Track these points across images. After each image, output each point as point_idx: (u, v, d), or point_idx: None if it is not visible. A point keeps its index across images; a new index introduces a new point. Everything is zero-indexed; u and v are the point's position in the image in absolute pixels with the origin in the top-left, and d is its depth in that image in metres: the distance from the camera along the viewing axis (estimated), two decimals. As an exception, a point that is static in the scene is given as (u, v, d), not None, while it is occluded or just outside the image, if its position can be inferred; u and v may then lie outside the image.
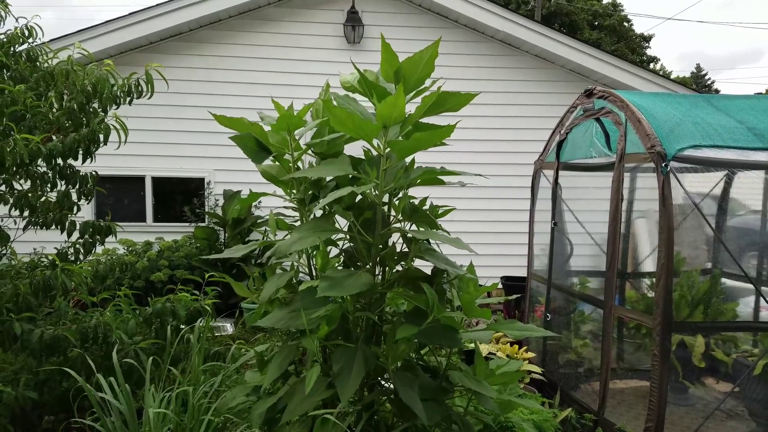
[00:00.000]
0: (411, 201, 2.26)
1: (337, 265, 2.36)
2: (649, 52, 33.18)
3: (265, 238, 2.43)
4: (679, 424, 4.02)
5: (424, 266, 2.34)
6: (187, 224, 7.26)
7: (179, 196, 7.44)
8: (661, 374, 3.30)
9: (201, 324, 3.66)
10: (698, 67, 39.55)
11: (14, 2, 4.05)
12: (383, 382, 2.51)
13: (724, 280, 4.82)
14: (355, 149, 2.39)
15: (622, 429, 3.56)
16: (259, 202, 7.26)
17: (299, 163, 2.35)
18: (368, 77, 2.11)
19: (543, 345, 4.94)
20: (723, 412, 4.23)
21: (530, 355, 4.49)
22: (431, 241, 2.35)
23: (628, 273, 5.27)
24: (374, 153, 2.20)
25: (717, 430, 4.03)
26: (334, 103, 2.10)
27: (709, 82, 38.13)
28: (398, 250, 2.34)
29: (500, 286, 7.24)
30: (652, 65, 32.69)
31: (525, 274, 5.45)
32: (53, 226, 3.87)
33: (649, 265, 5.54)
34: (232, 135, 2.47)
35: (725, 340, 4.47)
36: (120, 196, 7.25)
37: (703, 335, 4.30)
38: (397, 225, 2.30)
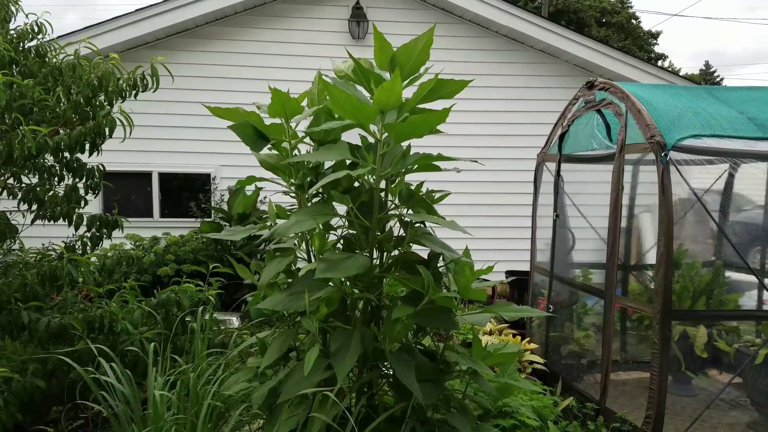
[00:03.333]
0: (408, 187, 2.29)
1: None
2: (657, 49, 33.04)
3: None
4: (682, 414, 4.03)
5: (422, 252, 2.37)
6: (194, 219, 7.33)
7: (186, 192, 7.52)
8: (661, 362, 3.32)
9: (203, 312, 3.70)
10: (707, 65, 39.37)
11: (41, 2, 4.10)
12: (383, 369, 2.54)
13: (728, 274, 4.82)
14: (351, 139, 2.42)
15: (623, 417, 3.58)
16: (264, 197, 7.31)
17: (296, 152, 2.39)
18: (364, 65, 2.15)
19: (546, 337, 4.96)
20: (726, 402, 4.24)
21: (533, 346, 4.52)
22: (428, 225, 2.39)
23: (630, 266, 5.28)
24: (371, 140, 2.24)
25: (720, 420, 4.04)
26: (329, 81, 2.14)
27: (718, 80, 37.90)
28: (395, 235, 2.37)
29: (505, 279, 7.25)
30: (660, 62, 32.54)
31: (528, 269, 5.47)
32: (61, 220, 3.93)
33: (652, 258, 5.54)
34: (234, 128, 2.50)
35: (728, 330, 4.47)
36: (127, 192, 7.33)
37: (704, 325, 4.31)
38: (395, 211, 2.33)
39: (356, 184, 2.39)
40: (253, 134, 2.32)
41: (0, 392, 3.14)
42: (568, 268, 5.10)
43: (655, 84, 6.61)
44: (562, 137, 4.75)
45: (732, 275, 4.84)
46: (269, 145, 2.37)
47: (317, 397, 2.15)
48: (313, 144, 2.43)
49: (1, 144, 3.32)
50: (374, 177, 2.16)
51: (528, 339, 4.63)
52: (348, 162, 2.28)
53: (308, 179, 2.33)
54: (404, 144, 2.24)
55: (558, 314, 4.97)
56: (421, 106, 2.18)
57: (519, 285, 7.06)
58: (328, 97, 2.17)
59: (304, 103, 2.36)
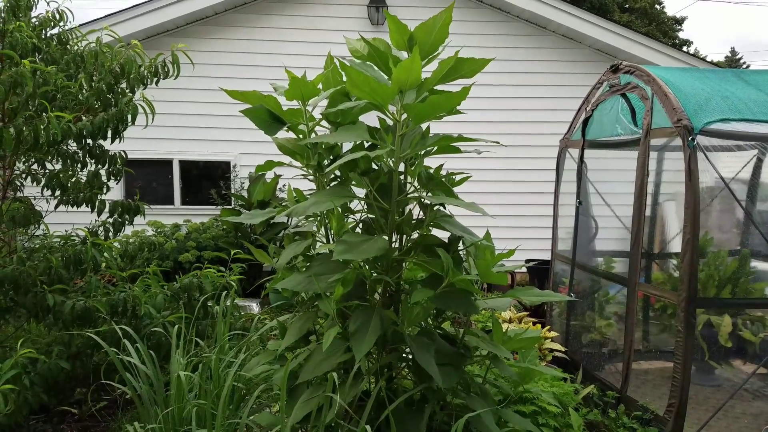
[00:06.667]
0: (427, 169, 2.27)
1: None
2: (682, 35, 32.38)
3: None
4: (705, 404, 3.97)
5: (442, 236, 2.35)
6: (214, 207, 7.39)
7: (206, 180, 7.58)
8: (685, 351, 3.26)
9: (225, 297, 3.73)
10: (733, 51, 38.44)
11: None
12: (403, 353, 2.54)
13: (754, 263, 4.72)
14: (368, 121, 2.40)
15: (645, 405, 3.53)
16: (284, 185, 7.33)
17: (313, 135, 2.38)
18: (379, 46, 2.12)
19: (566, 325, 4.91)
20: (750, 393, 4.16)
21: (553, 334, 4.48)
22: (447, 209, 2.37)
23: (654, 254, 5.20)
24: (390, 122, 2.22)
25: (743, 410, 3.96)
26: (347, 62, 2.11)
27: (744, 66, 37.01)
28: (415, 218, 2.36)
29: (524, 269, 7.21)
30: (685, 48, 31.87)
31: (549, 258, 5.42)
32: (83, 205, 3.98)
33: (676, 247, 5.43)
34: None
35: (753, 320, 4.38)
36: (149, 180, 7.41)
37: (729, 314, 4.22)
38: (414, 194, 2.31)
39: (375, 166, 2.38)
40: (268, 117, 2.32)
41: (26, 373, 3.20)
42: (590, 256, 5.03)
43: (681, 67, 6.46)
44: (585, 122, 4.67)
45: (758, 265, 4.74)
46: (286, 128, 2.37)
47: (336, 379, 2.15)
48: (330, 127, 2.41)
49: (27, 130, 3.36)
50: (393, 159, 2.14)
51: (548, 327, 4.59)
52: (367, 144, 2.26)
53: (326, 162, 2.32)
54: (423, 126, 2.22)
55: (579, 303, 4.92)
56: (439, 87, 2.15)
57: (539, 274, 7.00)
58: (344, 79, 2.15)
59: (320, 86, 2.34)
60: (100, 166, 4.07)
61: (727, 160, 4.48)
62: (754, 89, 3.87)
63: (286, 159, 2.53)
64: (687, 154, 3.28)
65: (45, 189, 3.85)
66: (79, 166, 4.01)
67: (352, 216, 2.48)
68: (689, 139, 3.28)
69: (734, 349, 4.36)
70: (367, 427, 1.97)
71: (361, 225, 2.47)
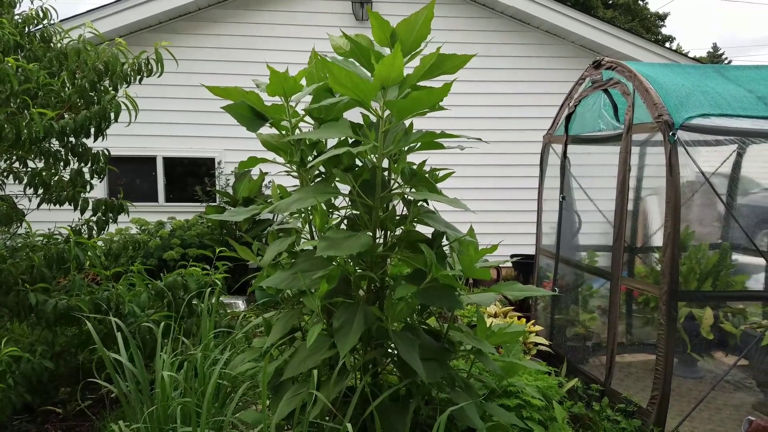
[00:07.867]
0: (411, 165, 2.28)
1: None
2: (664, 31, 32.67)
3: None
4: (687, 396, 4.03)
5: (425, 232, 2.37)
6: (199, 204, 7.35)
7: (190, 177, 7.54)
8: (667, 343, 3.31)
9: (210, 295, 3.72)
10: (715, 47, 38.85)
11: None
12: (388, 348, 2.55)
13: (734, 256, 4.79)
14: (352, 117, 2.40)
15: (628, 398, 3.58)
16: (269, 182, 7.31)
17: (297, 131, 2.38)
18: (362, 42, 2.12)
19: (551, 319, 4.95)
20: (731, 384, 4.23)
21: (538, 328, 4.52)
22: (431, 205, 2.38)
23: (636, 248, 5.26)
24: (373, 119, 2.23)
25: (725, 401, 4.03)
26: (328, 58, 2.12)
27: (725, 62, 37.41)
28: (399, 214, 2.37)
29: (509, 264, 7.25)
30: (667, 44, 32.16)
31: (533, 252, 5.46)
32: (66, 204, 3.95)
33: (658, 240, 5.50)
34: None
35: (734, 312, 4.45)
36: (132, 177, 7.35)
37: (711, 306, 4.29)
38: (398, 190, 2.32)
39: (358, 162, 2.38)
40: (250, 114, 2.31)
41: (11, 372, 3.17)
42: (574, 250, 5.08)
43: (662, 63, 6.52)
44: (568, 118, 4.71)
45: (738, 258, 4.81)
46: (269, 125, 2.36)
47: (321, 375, 2.15)
48: (313, 123, 2.42)
49: (9, 127, 3.32)
50: (376, 155, 2.15)
51: (533, 321, 4.63)
52: (350, 140, 2.27)
53: (308, 157, 2.32)
54: (407, 122, 2.23)
55: (563, 297, 4.96)
56: (422, 83, 2.15)
57: (524, 269, 7.05)
58: (327, 75, 2.15)
59: (303, 82, 2.34)
60: (83, 164, 4.03)
61: (707, 155, 4.54)
62: (734, 84, 3.93)
63: (270, 155, 2.52)
64: (668, 149, 3.33)
65: (27, 187, 3.81)
66: (62, 164, 3.97)
67: (336, 212, 2.48)
68: (670, 134, 3.32)
69: (716, 341, 4.43)
70: (349, 425, 1.98)
71: (345, 221, 2.47)
